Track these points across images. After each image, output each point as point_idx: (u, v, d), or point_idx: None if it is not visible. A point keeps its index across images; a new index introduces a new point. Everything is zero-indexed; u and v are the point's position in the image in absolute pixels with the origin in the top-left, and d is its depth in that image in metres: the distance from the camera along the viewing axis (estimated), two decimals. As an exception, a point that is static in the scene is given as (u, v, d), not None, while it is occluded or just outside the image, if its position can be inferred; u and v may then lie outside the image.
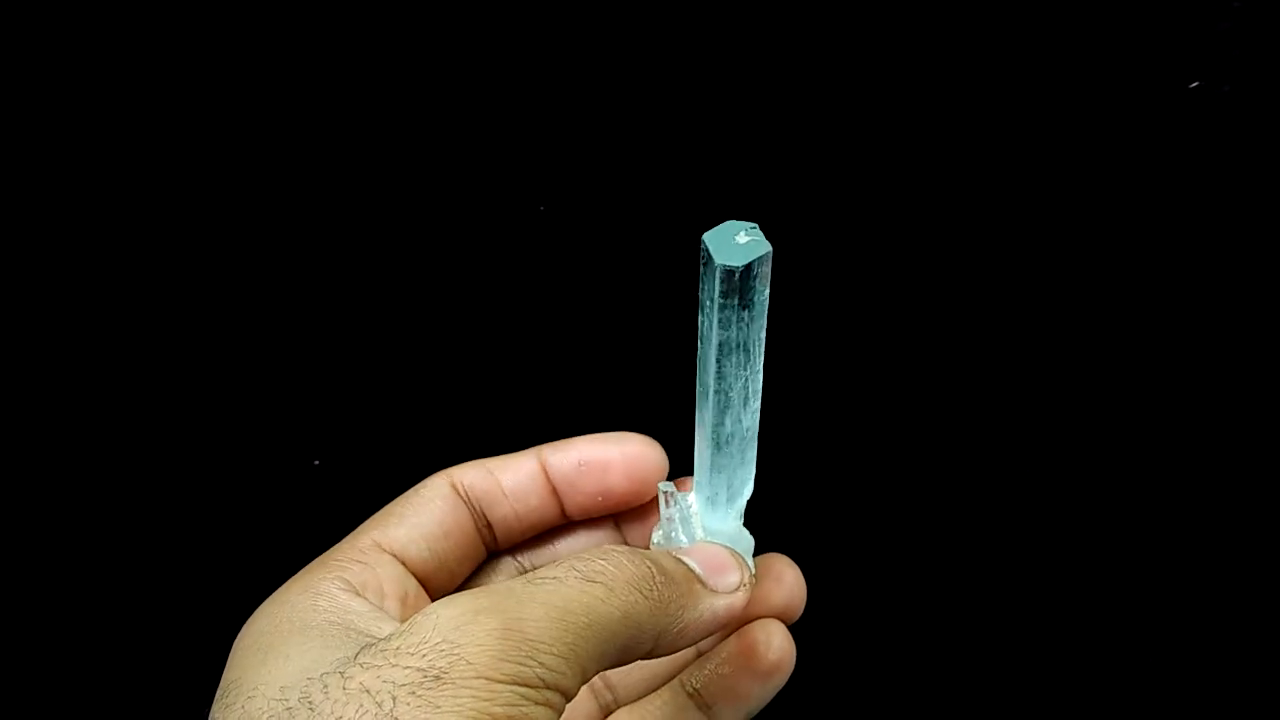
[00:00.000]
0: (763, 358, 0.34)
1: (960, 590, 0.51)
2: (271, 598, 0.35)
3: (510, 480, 0.40)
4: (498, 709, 0.27)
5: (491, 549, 0.40)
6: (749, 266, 0.32)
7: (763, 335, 0.34)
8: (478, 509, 0.39)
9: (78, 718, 0.51)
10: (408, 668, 0.28)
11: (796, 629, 0.40)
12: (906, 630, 0.51)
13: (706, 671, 0.40)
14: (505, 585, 0.31)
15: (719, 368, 0.34)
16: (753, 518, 0.38)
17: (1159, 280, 0.48)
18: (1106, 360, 0.49)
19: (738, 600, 0.35)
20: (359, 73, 0.48)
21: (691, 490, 0.38)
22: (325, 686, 0.28)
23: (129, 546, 0.51)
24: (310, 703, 0.28)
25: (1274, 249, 0.48)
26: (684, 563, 0.35)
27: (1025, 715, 0.51)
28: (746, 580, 0.36)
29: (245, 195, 0.49)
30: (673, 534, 0.38)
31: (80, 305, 0.49)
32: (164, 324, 0.50)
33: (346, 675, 0.28)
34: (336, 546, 0.38)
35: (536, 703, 0.28)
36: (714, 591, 0.35)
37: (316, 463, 0.51)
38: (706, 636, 0.35)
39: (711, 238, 0.32)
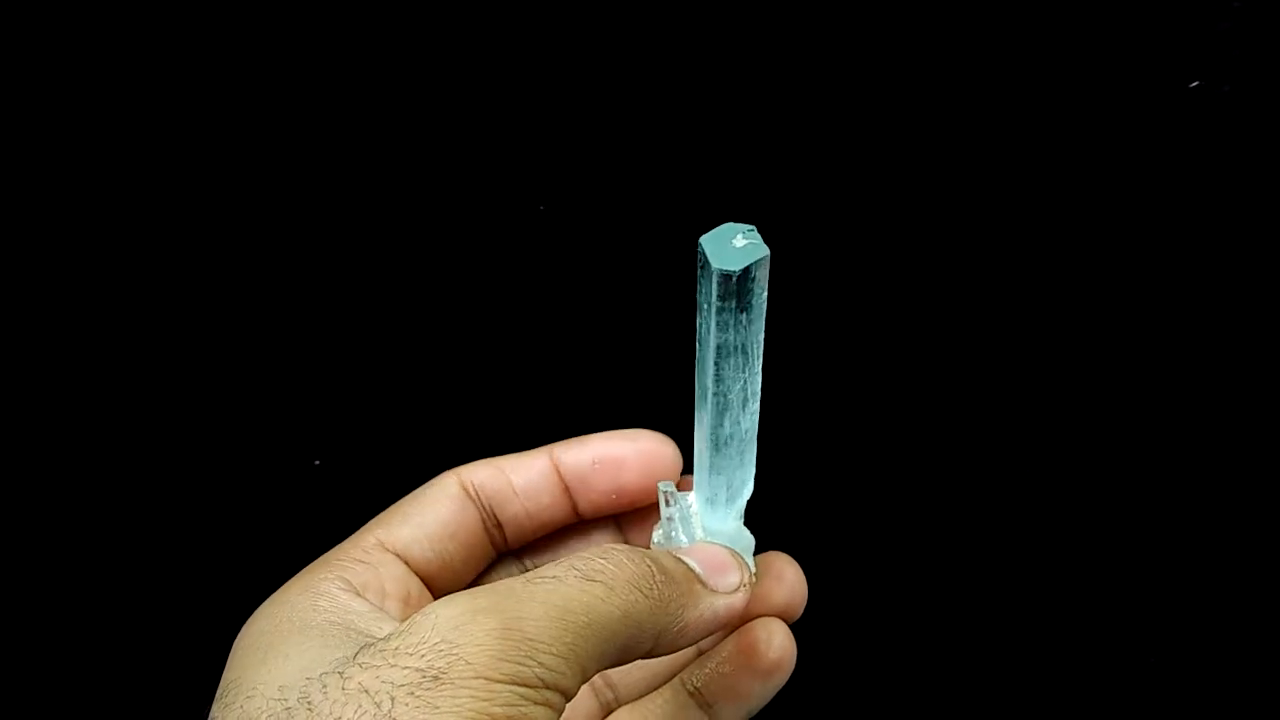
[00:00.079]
0: (761, 360, 0.34)
1: (960, 589, 0.51)
2: (272, 597, 0.35)
3: (521, 479, 0.39)
4: (497, 709, 0.27)
5: (501, 549, 0.40)
6: (746, 270, 0.32)
7: (761, 337, 0.34)
8: (487, 508, 0.39)
9: (78, 718, 0.51)
10: (406, 668, 0.28)
11: (797, 628, 0.40)
12: (906, 630, 0.51)
13: (707, 670, 0.39)
14: (504, 584, 0.31)
15: (717, 370, 0.34)
16: (753, 517, 0.38)
17: (1159, 280, 0.48)
18: (1106, 360, 0.49)
19: (738, 600, 0.35)
20: (359, 73, 0.48)
21: (691, 490, 0.38)
22: (324, 687, 0.28)
23: (129, 546, 0.51)
24: (309, 703, 0.28)
25: (1274, 249, 0.48)
26: (684, 562, 0.35)
27: (1025, 715, 0.51)
28: (746, 580, 0.36)
29: (246, 195, 0.49)
30: (673, 534, 0.38)
31: (80, 305, 0.49)
32: (164, 324, 0.50)
33: (345, 675, 0.28)
34: (340, 545, 0.38)
35: (536, 703, 0.28)
36: (714, 591, 0.35)
37: (317, 462, 0.51)
38: (706, 636, 0.35)
39: (709, 241, 0.32)
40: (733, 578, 0.35)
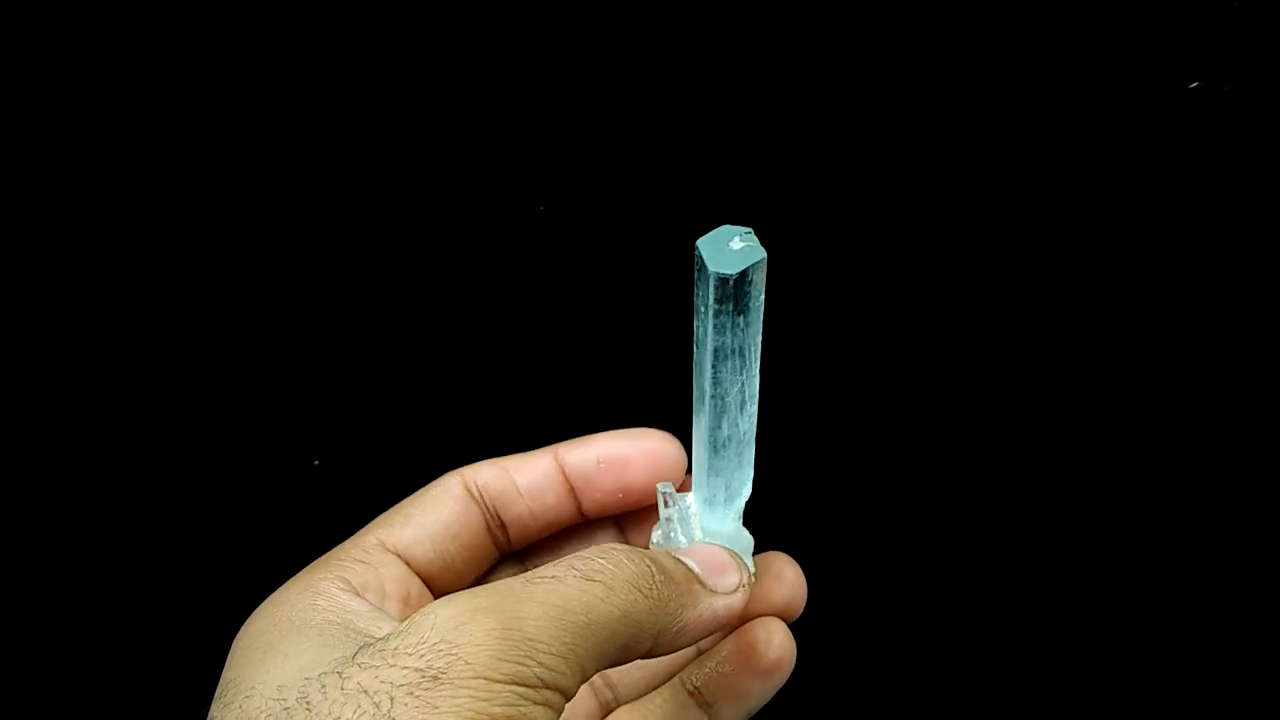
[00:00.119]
0: (759, 362, 0.34)
1: (960, 589, 0.51)
2: (272, 597, 0.35)
3: (525, 479, 0.39)
4: (496, 709, 0.27)
5: (504, 550, 0.40)
6: (743, 274, 0.32)
7: (758, 340, 0.33)
8: (491, 509, 0.39)
9: (78, 718, 0.51)
10: (405, 668, 0.28)
11: (797, 627, 0.40)
12: (907, 629, 0.51)
13: (707, 670, 0.39)
14: (504, 584, 0.31)
15: (715, 373, 0.34)
16: (752, 517, 0.38)
17: (1159, 280, 0.48)
18: (1106, 361, 0.49)
19: (737, 601, 0.35)
20: (359, 73, 0.48)
21: (690, 491, 0.38)
22: (323, 687, 0.28)
23: (129, 546, 0.51)
24: (308, 703, 0.28)
25: (1274, 249, 0.48)
26: (683, 563, 0.35)
27: (1025, 715, 0.51)
28: (745, 581, 0.36)
29: (246, 195, 0.49)
30: (672, 534, 0.38)
31: (80, 305, 0.49)
32: (164, 323, 0.50)
33: (344, 675, 0.28)
34: (341, 545, 0.38)
35: (535, 702, 0.28)
36: (713, 592, 0.35)
37: (316, 463, 0.51)
38: (705, 636, 0.35)
39: (705, 244, 0.32)
40: (732, 578, 0.35)
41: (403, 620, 0.31)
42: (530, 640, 0.29)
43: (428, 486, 0.39)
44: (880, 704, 0.51)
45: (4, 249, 0.49)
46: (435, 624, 0.28)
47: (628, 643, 0.32)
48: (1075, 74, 0.46)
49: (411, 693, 0.27)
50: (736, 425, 0.35)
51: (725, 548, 0.37)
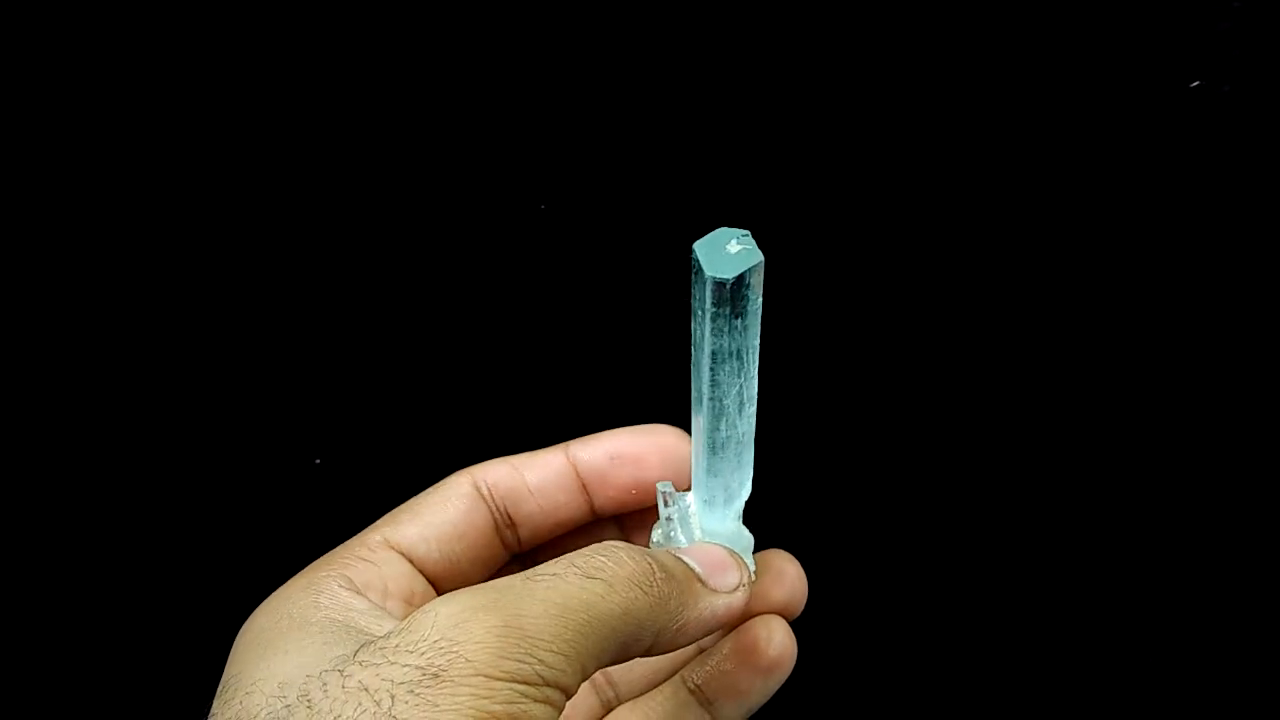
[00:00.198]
0: (757, 364, 0.34)
1: (960, 587, 0.51)
2: (274, 594, 0.35)
3: (536, 476, 0.39)
4: (497, 707, 0.27)
5: (514, 551, 0.40)
6: (740, 278, 0.31)
7: (756, 343, 0.33)
8: (501, 508, 0.39)
9: (78, 717, 0.51)
10: (406, 665, 0.28)
11: (797, 625, 0.40)
12: (907, 627, 0.51)
13: (708, 667, 0.39)
14: (504, 582, 0.31)
15: (713, 375, 0.33)
16: (752, 516, 0.38)
17: (1159, 280, 0.48)
18: (1105, 361, 0.49)
19: (737, 600, 0.35)
20: (359, 73, 0.48)
21: (690, 490, 0.38)
22: (324, 685, 0.28)
23: (129, 546, 0.51)
24: (309, 701, 0.28)
25: (1274, 249, 0.48)
26: (684, 561, 0.35)
27: (1025, 715, 0.51)
28: (745, 580, 0.36)
29: (247, 194, 0.49)
30: (671, 534, 0.38)
31: (80, 305, 0.49)
32: (164, 323, 0.50)
33: (345, 673, 0.28)
34: (345, 543, 0.37)
35: (536, 700, 0.28)
36: (714, 591, 0.35)
37: (318, 461, 0.51)
38: (706, 635, 0.35)
39: (702, 247, 0.32)
40: (732, 577, 0.35)
41: (404, 619, 0.31)
42: (531, 638, 0.29)
43: (437, 485, 0.39)
44: (880, 702, 0.51)
45: (4, 249, 0.49)
46: (436, 622, 0.28)
47: (628, 640, 0.32)
48: (1075, 74, 0.46)
49: (412, 690, 0.27)
50: (735, 427, 0.35)
51: (725, 547, 0.37)
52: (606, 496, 0.40)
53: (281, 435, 0.51)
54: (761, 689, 0.39)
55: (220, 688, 0.31)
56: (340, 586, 0.35)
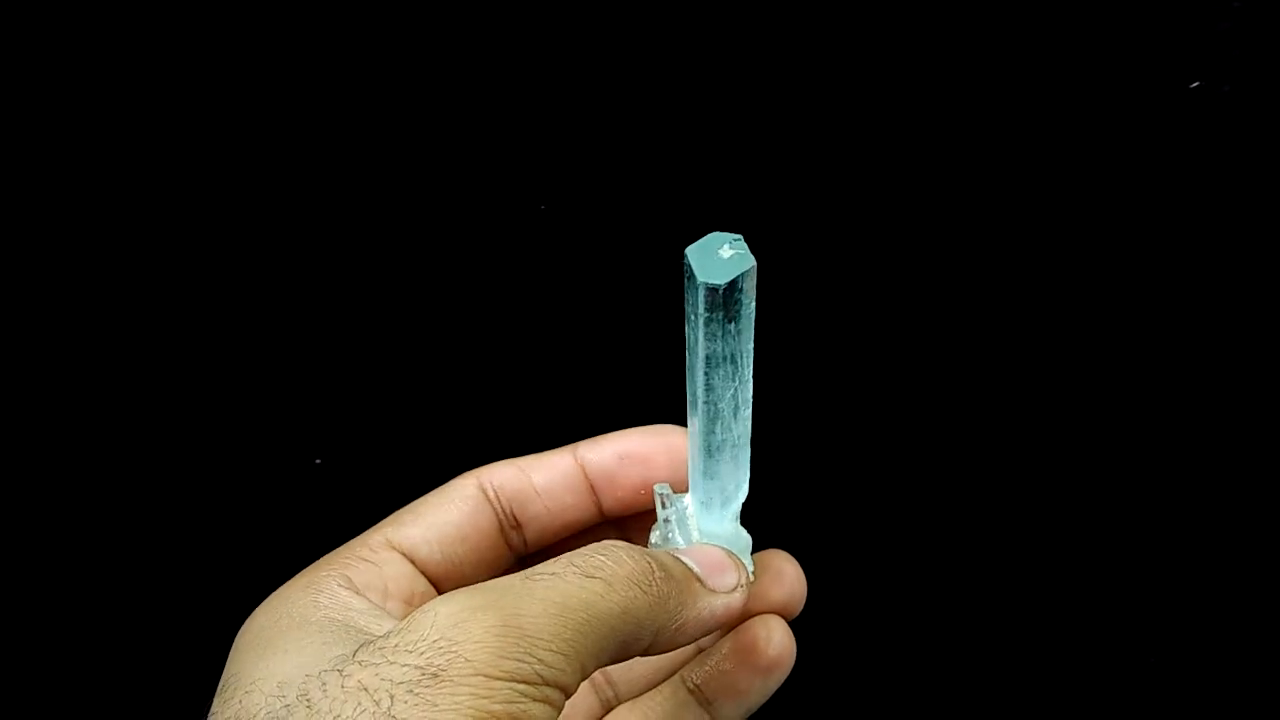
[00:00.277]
0: (752, 367, 0.34)
1: (959, 586, 0.51)
2: (274, 593, 0.35)
3: (543, 477, 0.39)
4: (496, 706, 0.27)
5: (519, 553, 0.40)
6: (732, 283, 0.31)
7: (750, 346, 0.33)
8: (507, 510, 0.39)
9: (78, 717, 0.51)
10: (406, 665, 0.28)
11: (797, 625, 0.40)
12: (907, 627, 0.51)
13: (707, 667, 0.39)
14: (504, 581, 0.31)
15: (707, 380, 0.33)
16: (751, 516, 0.38)
17: (1159, 280, 0.48)
18: (1105, 361, 0.49)
19: (735, 600, 0.35)
20: (360, 74, 0.48)
21: (688, 492, 0.38)
22: (324, 684, 0.28)
23: (129, 546, 0.51)
24: (308, 701, 0.28)
25: (1274, 249, 0.48)
26: (682, 561, 0.35)
27: (1025, 715, 0.51)
28: (744, 580, 0.36)
29: (248, 195, 0.49)
30: (670, 535, 0.37)
31: (80, 305, 0.49)
32: (165, 323, 0.50)
33: (345, 673, 0.28)
34: (347, 544, 0.37)
35: (535, 699, 0.28)
36: (713, 591, 0.35)
37: (318, 461, 0.51)
38: (705, 635, 0.35)
39: (694, 252, 0.32)
40: (730, 577, 0.35)
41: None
42: (530, 637, 0.29)
43: (442, 487, 0.39)
44: (880, 702, 0.51)
45: (4, 249, 0.49)
46: (435, 621, 0.28)
47: (627, 639, 0.32)
48: (1075, 74, 0.46)
49: (412, 690, 0.27)
50: (730, 430, 0.35)
51: (723, 548, 0.37)
52: (615, 498, 0.40)
53: (285, 436, 0.51)
54: (761, 689, 0.39)
55: (220, 687, 0.31)
56: (340, 586, 0.35)
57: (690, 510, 0.38)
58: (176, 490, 0.51)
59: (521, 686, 0.28)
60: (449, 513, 0.38)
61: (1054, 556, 0.50)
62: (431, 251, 0.50)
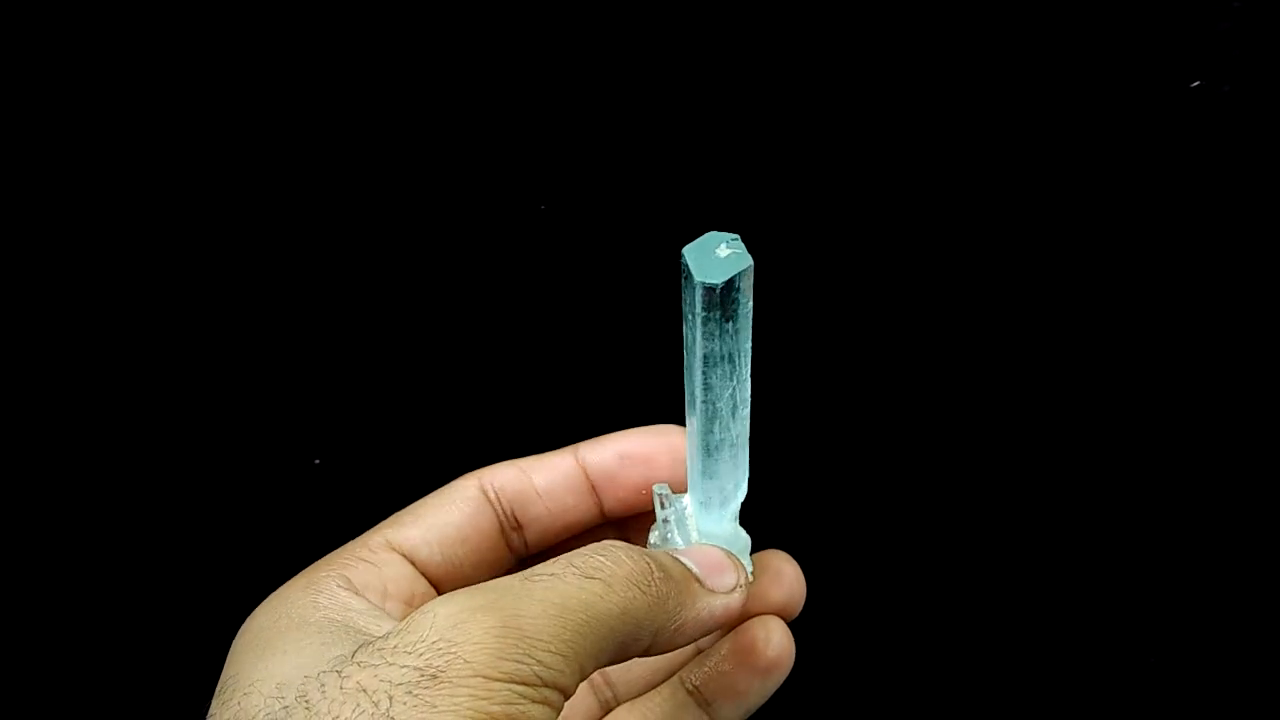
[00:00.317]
0: (750, 366, 0.34)
1: (958, 586, 0.51)
2: (273, 594, 0.35)
3: (544, 478, 0.39)
4: (495, 707, 0.27)
5: (521, 555, 0.40)
6: (729, 282, 0.31)
7: (748, 345, 0.33)
8: (508, 511, 0.39)
9: (78, 717, 0.51)
10: (404, 666, 0.28)
11: (796, 625, 0.40)
12: (906, 627, 0.51)
13: (706, 668, 0.39)
14: (503, 582, 0.31)
15: (705, 379, 0.34)
16: (749, 516, 0.38)
17: (1159, 281, 0.48)
18: (1104, 361, 0.49)
19: (734, 601, 0.35)
20: (360, 75, 0.48)
21: (686, 492, 0.38)
22: (322, 685, 0.28)
23: (129, 547, 0.51)
24: (307, 702, 0.28)
25: (1274, 249, 0.48)
26: (681, 562, 0.35)
27: (1025, 715, 0.51)
28: (743, 581, 0.36)
29: (248, 196, 0.49)
30: (669, 536, 0.37)
31: (80, 305, 0.49)
32: (165, 324, 0.50)
33: (344, 674, 0.28)
34: (347, 544, 0.37)
35: (535, 701, 0.28)
36: (711, 591, 0.35)
37: (317, 461, 0.51)
38: (704, 635, 0.35)
39: (691, 252, 0.32)
40: (729, 578, 0.35)
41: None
42: (529, 638, 0.29)
43: (443, 488, 0.39)
44: (880, 703, 0.51)
45: (4, 249, 0.49)
46: (434, 622, 0.28)
47: (626, 640, 0.32)
48: (1075, 74, 0.46)
49: (410, 691, 0.27)
50: (729, 429, 0.35)
51: (722, 548, 0.37)
52: (616, 498, 0.40)
53: (284, 436, 0.51)
54: (760, 690, 0.39)
55: (219, 688, 0.31)
56: (339, 587, 0.35)
57: (689, 510, 0.38)
58: (176, 491, 0.51)
59: (520, 688, 0.28)
60: (449, 514, 0.38)
61: (1054, 556, 0.50)
62: (431, 252, 0.50)
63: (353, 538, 0.38)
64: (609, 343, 0.50)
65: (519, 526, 0.39)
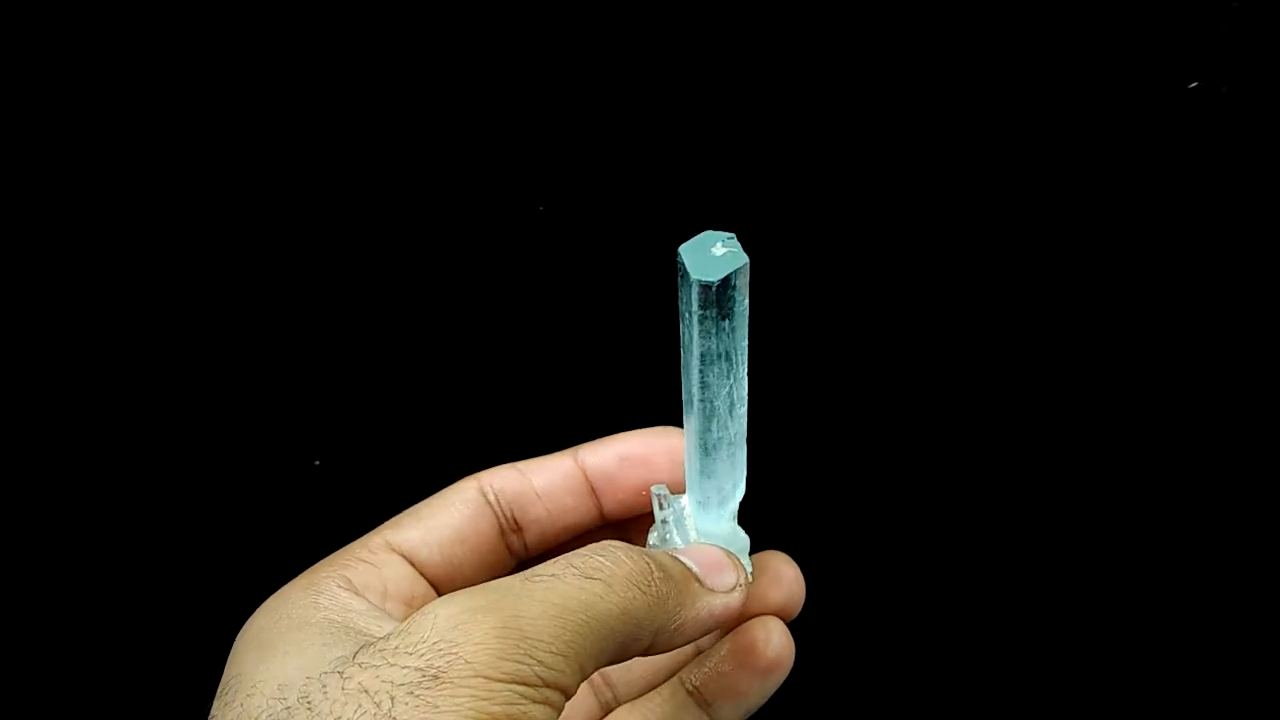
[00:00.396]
0: (746, 364, 0.34)
1: (957, 586, 0.51)
2: (274, 595, 0.35)
3: (544, 480, 0.39)
4: (496, 708, 0.27)
5: (520, 557, 0.40)
6: (726, 280, 0.32)
7: (745, 344, 0.33)
8: (508, 513, 0.39)
9: (78, 718, 0.51)
10: (406, 667, 0.28)
11: (795, 626, 0.40)
12: (906, 627, 0.51)
13: (706, 669, 0.39)
14: (503, 583, 0.31)
15: (702, 377, 0.34)
16: (748, 516, 0.39)
17: (1159, 281, 0.48)
18: (1103, 361, 0.49)
19: (734, 600, 0.35)
20: (359, 75, 0.48)
21: (684, 493, 0.38)
22: (324, 686, 0.28)
23: (130, 547, 0.51)
24: (309, 703, 0.28)
25: (1274, 249, 0.48)
26: (681, 561, 0.35)
27: (1025, 715, 0.51)
28: (742, 580, 0.36)
29: (248, 196, 0.49)
30: (668, 536, 0.37)
31: (80, 305, 0.50)
32: (166, 325, 0.50)
33: (345, 675, 0.28)
34: (348, 545, 0.38)
35: (535, 701, 0.28)
36: (711, 591, 0.35)
37: (317, 463, 0.51)
38: (703, 635, 0.35)
39: (687, 250, 0.32)
40: (729, 577, 0.35)
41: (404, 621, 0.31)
42: (530, 639, 0.29)
43: (444, 490, 0.39)
44: (880, 703, 0.51)
45: (4, 249, 0.49)
46: (435, 623, 0.29)
47: (626, 640, 0.32)
48: (1075, 74, 0.46)
49: (412, 692, 0.27)
50: (726, 428, 0.35)
51: (721, 548, 0.37)
52: (616, 500, 0.40)
53: (284, 438, 0.51)
54: (760, 690, 0.39)
55: (220, 688, 0.31)
56: (340, 587, 0.35)
57: (687, 511, 0.38)
58: (177, 492, 0.51)
59: (521, 688, 0.28)
60: (449, 516, 0.38)
61: (1054, 556, 0.50)
62: (430, 253, 0.50)
63: (353, 539, 0.38)
64: (607, 343, 0.50)
65: (519, 528, 0.39)
